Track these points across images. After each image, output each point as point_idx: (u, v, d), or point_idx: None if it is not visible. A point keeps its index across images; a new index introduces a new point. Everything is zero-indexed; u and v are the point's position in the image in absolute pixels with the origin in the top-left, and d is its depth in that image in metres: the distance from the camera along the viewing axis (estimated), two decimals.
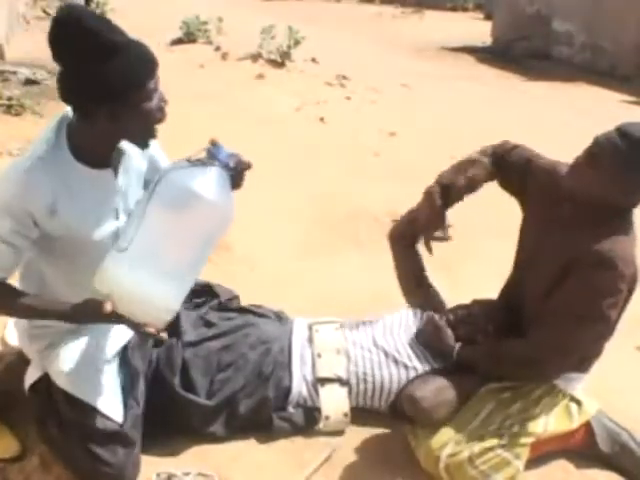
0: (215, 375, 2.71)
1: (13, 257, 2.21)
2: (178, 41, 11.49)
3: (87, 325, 2.41)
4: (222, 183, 2.17)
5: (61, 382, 2.43)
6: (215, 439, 2.68)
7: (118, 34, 2.09)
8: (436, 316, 2.89)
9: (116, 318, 2.13)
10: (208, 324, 2.85)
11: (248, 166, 2.30)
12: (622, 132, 2.41)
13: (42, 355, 2.49)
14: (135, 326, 2.17)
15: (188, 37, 11.45)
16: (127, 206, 2.36)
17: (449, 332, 2.80)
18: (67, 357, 2.45)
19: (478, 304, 2.94)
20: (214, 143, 2.21)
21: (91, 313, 2.14)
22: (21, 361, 2.66)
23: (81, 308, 2.15)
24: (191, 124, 6.95)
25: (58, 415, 2.42)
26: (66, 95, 2.12)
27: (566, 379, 2.66)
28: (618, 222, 2.49)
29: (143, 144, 2.27)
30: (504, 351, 2.64)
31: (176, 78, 8.92)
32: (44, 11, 13.93)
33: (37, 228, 2.20)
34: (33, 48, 10.05)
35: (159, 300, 2.12)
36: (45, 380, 2.48)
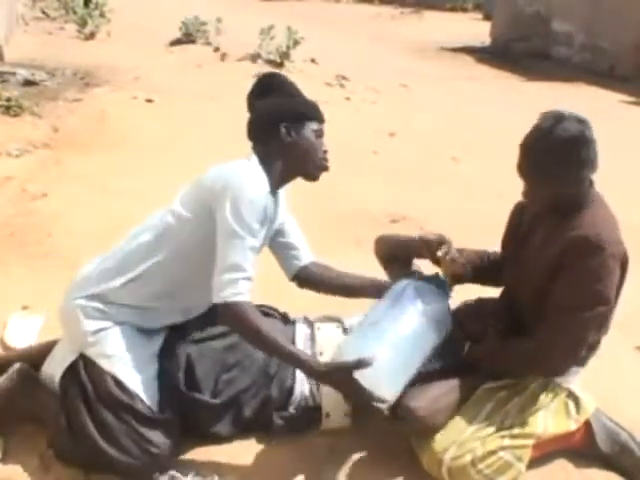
0: (220, 375, 2.69)
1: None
2: (177, 41, 11.52)
3: (142, 320, 2.63)
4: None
5: (107, 364, 2.53)
6: (215, 439, 2.68)
7: (299, 90, 2.75)
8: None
9: (356, 390, 2.36)
10: (213, 323, 2.84)
11: None
12: (528, 144, 2.50)
13: (92, 336, 2.56)
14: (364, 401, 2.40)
15: (187, 37, 11.47)
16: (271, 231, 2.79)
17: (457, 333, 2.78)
18: (116, 344, 2.57)
19: (485, 302, 2.93)
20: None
21: (338, 376, 2.37)
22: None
23: (331, 369, 2.38)
24: (190, 124, 6.97)
25: (102, 395, 2.49)
26: (256, 127, 2.68)
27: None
28: (588, 206, 2.54)
29: (310, 175, 2.69)
30: (516, 350, 2.64)
31: (175, 78, 8.95)
32: (43, 12, 13.96)
33: None
34: (32, 49, 10.08)
35: (384, 389, 2.40)
36: (78, 364, 2.57)
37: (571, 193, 2.53)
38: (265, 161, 2.61)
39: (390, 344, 2.45)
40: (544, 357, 2.57)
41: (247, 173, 2.53)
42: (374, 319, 2.56)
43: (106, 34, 12.06)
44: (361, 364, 2.31)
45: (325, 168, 2.69)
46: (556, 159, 2.44)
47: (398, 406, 2.56)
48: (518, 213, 2.85)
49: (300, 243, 2.90)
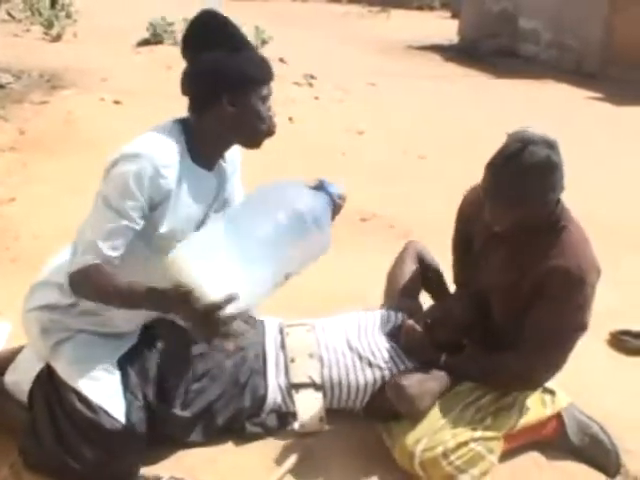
0: (190, 385, 2.65)
1: (127, 239, 2.28)
2: (144, 42, 11.43)
3: (101, 325, 2.52)
4: (327, 213, 2.38)
5: (68, 378, 2.45)
6: (191, 444, 2.66)
7: (246, 39, 2.40)
8: (410, 322, 2.86)
9: (202, 312, 2.11)
10: (182, 331, 2.80)
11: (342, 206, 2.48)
12: (495, 167, 2.49)
13: (52, 350, 2.50)
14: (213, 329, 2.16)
15: (154, 38, 11.38)
16: (215, 209, 2.53)
17: (428, 343, 2.79)
18: (76, 354, 2.49)
19: (454, 302, 2.94)
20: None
21: (177, 300, 2.15)
22: None
23: (171, 294, 2.16)
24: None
25: (65, 408, 2.43)
26: (192, 87, 2.38)
27: None
28: (561, 230, 2.57)
29: (252, 144, 2.43)
30: (495, 368, 2.66)
31: (143, 79, 8.89)
32: (8, 14, 13.78)
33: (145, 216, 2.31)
34: None
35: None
36: (45, 373, 2.51)
37: (538, 216, 2.55)
38: (198, 130, 2.39)
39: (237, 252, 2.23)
40: (526, 375, 2.64)
41: (144, 145, 2.30)
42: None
43: (72, 35, 11.94)
44: (201, 290, 2.10)
45: (270, 134, 2.43)
46: (523, 184, 2.44)
47: (387, 386, 2.59)
48: (464, 221, 2.89)
49: None
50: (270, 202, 2.33)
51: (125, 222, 2.26)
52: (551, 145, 2.45)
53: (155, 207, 2.32)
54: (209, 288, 2.11)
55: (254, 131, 2.40)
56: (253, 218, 2.30)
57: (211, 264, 2.18)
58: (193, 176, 2.39)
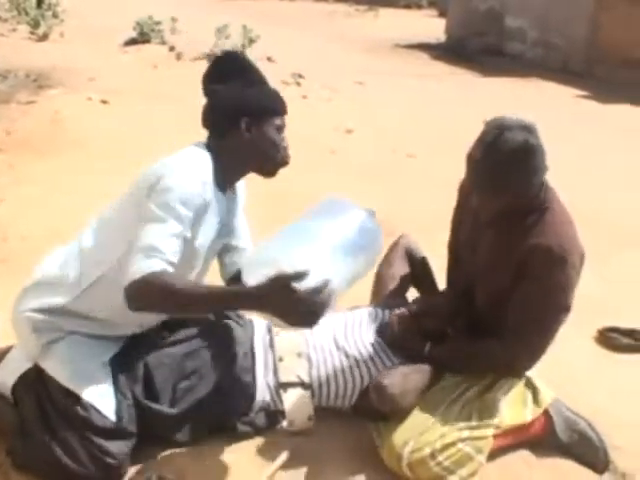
0: (178, 383, 2.66)
1: (182, 247, 2.32)
2: (131, 41, 11.40)
3: (92, 328, 2.56)
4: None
5: (60, 377, 2.47)
6: (180, 443, 2.66)
7: (262, 75, 2.59)
8: (398, 312, 2.88)
9: (305, 297, 2.14)
10: (171, 328, 2.81)
11: None
12: (474, 158, 2.50)
13: (43, 349, 2.52)
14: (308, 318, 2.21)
15: (142, 37, 11.36)
16: (225, 232, 2.66)
17: (414, 332, 2.80)
18: (67, 354, 2.52)
19: (440, 293, 2.95)
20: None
21: (278, 290, 2.14)
22: None
23: (269, 288, 2.14)
24: (146, 125, 6.91)
25: (57, 406, 2.45)
26: (214, 115, 2.53)
27: None
28: (545, 211, 2.58)
29: (267, 172, 2.58)
30: (479, 355, 2.69)
31: (130, 79, 8.87)
32: None
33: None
34: None
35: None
36: (33, 372, 2.53)
37: (523, 199, 2.55)
38: (218, 154, 2.49)
39: (320, 248, 2.33)
40: (510, 361, 2.65)
41: (180, 162, 2.39)
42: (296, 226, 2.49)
43: (59, 35, 11.89)
44: (300, 275, 2.14)
45: (284, 164, 2.58)
46: (504, 172, 2.45)
47: (369, 387, 2.59)
48: (459, 213, 2.91)
49: (248, 246, 2.83)
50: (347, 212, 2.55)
51: (182, 229, 2.31)
52: (528, 128, 2.46)
53: (195, 221, 2.38)
54: (310, 274, 2.15)
55: (269, 158, 2.54)
56: (334, 223, 2.46)
57: (304, 253, 2.27)
58: (215, 198, 2.48)
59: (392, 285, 3.10)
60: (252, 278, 2.26)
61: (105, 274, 2.48)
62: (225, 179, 2.54)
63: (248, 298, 2.22)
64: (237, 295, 2.26)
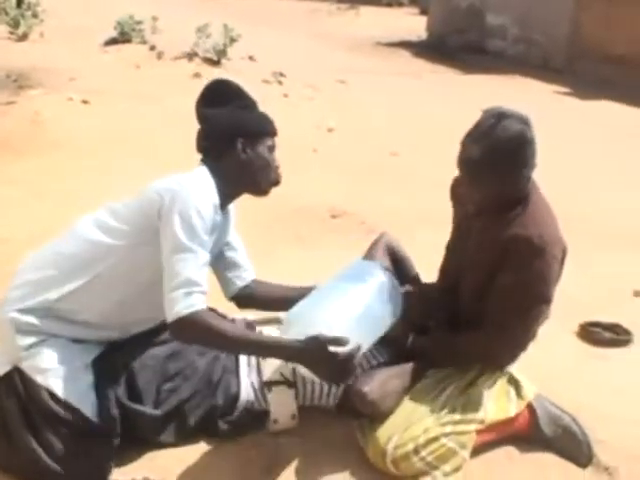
0: (162, 384, 2.65)
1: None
2: (112, 41, 11.33)
3: (76, 332, 2.57)
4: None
5: (42, 379, 2.48)
6: (164, 444, 2.66)
7: (253, 99, 2.72)
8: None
9: (342, 363, 2.37)
10: (154, 330, 2.80)
11: None
12: (469, 142, 2.51)
13: (26, 351, 2.52)
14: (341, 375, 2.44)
15: (122, 37, 11.28)
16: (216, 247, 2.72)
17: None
18: (50, 357, 2.52)
19: (426, 290, 2.95)
20: None
21: (319, 351, 2.34)
22: None
23: (310, 346, 2.35)
24: (128, 124, 6.88)
25: (39, 408, 2.46)
26: (210, 137, 2.63)
27: None
28: (528, 204, 2.59)
29: (260, 191, 2.70)
30: (461, 346, 2.70)
31: (111, 78, 8.83)
32: None
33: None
34: None
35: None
36: (15, 374, 2.52)
37: (510, 193, 2.56)
38: (215, 176, 2.57)
39: (354, 312, 2.52)
40: (492, 352, 2.66)
41: (195, 184, 2.49)
42: (325, 289, 2.64)
43: (39, 35, 11.81)
44: (338, 341, 2.34)
45: (277, 183, 2.71)
46: (497, 158, 2.46)
47: (350, 393, 2.59)
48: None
49: (244, 261, 2.90)
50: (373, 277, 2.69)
51: (208, 256, 2.47)
52: (525, 121, 2.48)
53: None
54: (346, 338, 2.37)
55: (263, 177, 2.66)
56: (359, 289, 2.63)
57: (338, 319, 2.45)
58: (219, 219, 2.59)
59: None
60: (291, 333, 2.45)
61: (93, 279, 2.52)
62: (224, 200, 2.61)
63: (292, 351, 2.40)
64: (284, 348, 2.43)
